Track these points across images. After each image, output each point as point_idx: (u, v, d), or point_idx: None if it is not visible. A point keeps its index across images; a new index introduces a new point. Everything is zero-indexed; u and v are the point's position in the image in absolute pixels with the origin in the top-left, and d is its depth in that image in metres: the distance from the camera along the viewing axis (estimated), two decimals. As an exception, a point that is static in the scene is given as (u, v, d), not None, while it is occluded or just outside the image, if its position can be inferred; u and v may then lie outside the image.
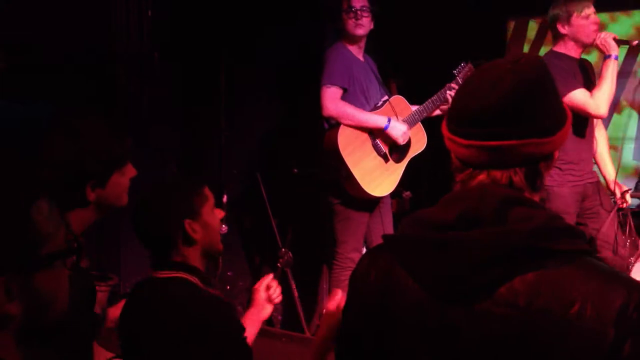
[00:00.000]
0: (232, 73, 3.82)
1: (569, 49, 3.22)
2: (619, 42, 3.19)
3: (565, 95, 3.00)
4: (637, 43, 3.27)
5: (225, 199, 3.80)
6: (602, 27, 4.35)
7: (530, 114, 1.04)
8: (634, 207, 4.40)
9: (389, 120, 3.23)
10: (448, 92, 3.42)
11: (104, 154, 1.55)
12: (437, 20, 4.85)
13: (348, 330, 1.19)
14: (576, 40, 3.19)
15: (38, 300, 0.83)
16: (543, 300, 0.96)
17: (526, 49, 5.43)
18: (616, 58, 3.14)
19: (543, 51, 5.32)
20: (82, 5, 3.26)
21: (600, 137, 3.54)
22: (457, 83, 3.47)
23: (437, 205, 1.09)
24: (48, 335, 0.85)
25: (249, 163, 4.12)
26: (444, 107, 3.45)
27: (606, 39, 3.15)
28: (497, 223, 1.00)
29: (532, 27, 5.42)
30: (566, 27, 3.17)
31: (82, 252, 0.83)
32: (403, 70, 4.43)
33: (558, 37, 3.25)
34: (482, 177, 1.07)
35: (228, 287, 4.06)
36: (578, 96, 3.11)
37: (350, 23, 3.26)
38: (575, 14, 3.13)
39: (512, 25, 5.46)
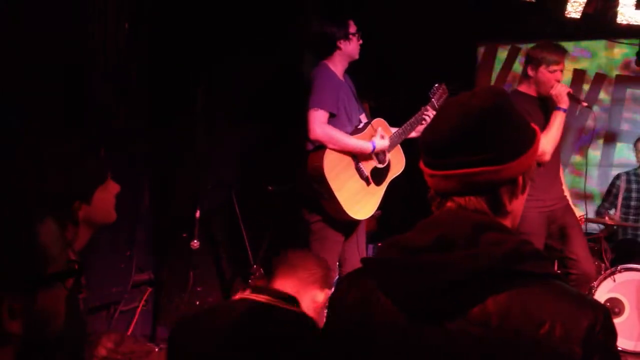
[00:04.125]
0: (209, 88, 3.84)
1: (531, 90, 3.49)
2: (572, 97, 3.48)
3: None
4: (586, 105, 3.73)
5: (198, 213, 3.81)
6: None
7: (480, 143, 1.09)
8: (596, 232, 4.54)
9: (373, 143, 3.29)
10: (425, 113, 3.51)
11: (82, 173, 1.61)
12: (409, 43, 4.96)
13: (328, 353, 1.21)
14: (537, 88, 3.47)
15: (39, 320, 0.84)
16: (514, 320, 1.01)
17: (495, 73, 5.59)
18: (565, 111, 3.43)
19: (512, 75, 5.51)
20: (58, 15, 3.23)
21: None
22: (432, 104, 3.55)
23: (414, 230, 1.14)
24: (47, 353, 0.87)
25: (223, 178, 4.13)
26: (420, 128, 3.53)
27: (561, 92, 3.41)
28: (470, 247, 1.05)
29: (502, 53, 5.58)
30: (533, 72, 3.44)
31: (82, 273, 0.84)
32: (375, 92, 4.52)
33: (524, 76, 3.54)
34: (449, 204, 1.13)
35: (197, 303, 4.05)
36: None
37: (357, 46, 3.37)
38: (543, 66, 3.40)
39: (482, 50, 5.62)
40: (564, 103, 3.41)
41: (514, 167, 1.11)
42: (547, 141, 3.35)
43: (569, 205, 3.70)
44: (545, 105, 3.50)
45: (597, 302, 1.06)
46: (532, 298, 1.02)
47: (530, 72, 3.46)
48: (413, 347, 1.07)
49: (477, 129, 1.09)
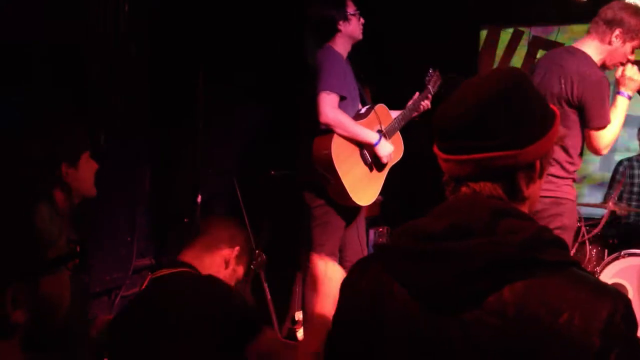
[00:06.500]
0: (210, 72, 3.80)
1: (600, 60, 2.89)
2: None
3: (603, 125, 2.78)
4: None
5: (199, 198, 3.78)
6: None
7: (496, 127, 1.05)
8: (599, 217, 4.52)
9: (380, 138, 3.26)
10: (421, 101, 3.53)
11: (73, 139, 1.76)
12: (410, 26, 4.91)
13: (337, 339, 1.19)
14: (610, 58, 2.88)
15: (44, 306, 0.82)
16: (531, 309, 0.98)
17: (498, 56, 5.53)
18: (630, 98, 2.90)
19: (516, 59, 5.46)
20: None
21: None
22: (427, 91, 3.57)
23: (428, 216, 1.10)
24: (53, 339, 0.85)
25: (225, 163, 4.10)
26: (415, 114, 3.57)
27: (632, 78, 2.86)
28: (487, 234, 1.02)
29: (505, 36, 5.53)
30: (620, 42, 2.83)
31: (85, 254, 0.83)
32: (377, 77, 4.47)
33: (601, 41, 2.86)
34: (464, 189, 1.10)
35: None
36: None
37: (358, 27, 3.32)
38: (637, 41, 2.83)
39: (484, 33, 5.56)
40: (632, 90, 2.87)
41: (531, 151, 1.07)
42: (612, 133, 2.82)
43: None
44: None
45: (617, 291, 1.02)
46: (550, 287, 0.99)
47: (617, 40, 2.81)
48: (427, 337, 1.04)
49: (493, 112, 1.05)
